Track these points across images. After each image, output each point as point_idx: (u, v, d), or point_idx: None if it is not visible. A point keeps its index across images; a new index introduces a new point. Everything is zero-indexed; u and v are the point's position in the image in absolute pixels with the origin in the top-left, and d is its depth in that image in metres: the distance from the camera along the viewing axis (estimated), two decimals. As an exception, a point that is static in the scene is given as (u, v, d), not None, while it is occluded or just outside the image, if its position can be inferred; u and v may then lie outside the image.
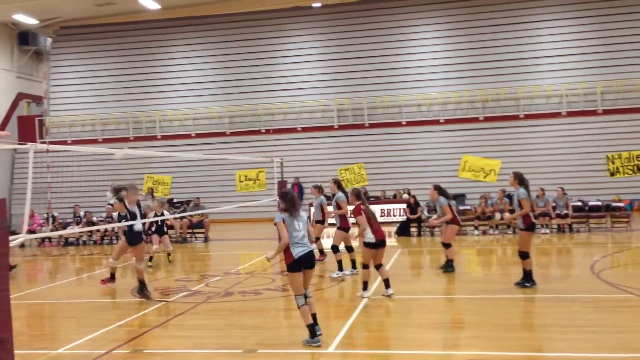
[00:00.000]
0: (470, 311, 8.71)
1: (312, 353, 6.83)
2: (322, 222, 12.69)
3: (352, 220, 10.65)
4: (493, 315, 8.26)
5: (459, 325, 8.02)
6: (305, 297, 7.15)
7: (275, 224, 7.16)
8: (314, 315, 7.13)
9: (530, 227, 9.93)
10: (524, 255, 9.89)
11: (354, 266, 11.77)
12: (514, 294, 9.55)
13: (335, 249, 11.72)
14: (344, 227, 11.73)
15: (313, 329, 7.04)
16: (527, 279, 9.87)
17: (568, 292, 9.47)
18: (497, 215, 18.35)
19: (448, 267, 11.66)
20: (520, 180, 10.03)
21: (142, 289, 10.19)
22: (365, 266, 9.43)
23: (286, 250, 7.10)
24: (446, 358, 6.57)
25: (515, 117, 26.09)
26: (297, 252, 7.05)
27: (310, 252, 7.19)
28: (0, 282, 5.41)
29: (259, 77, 28.86)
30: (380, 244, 9.31)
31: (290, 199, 7.24)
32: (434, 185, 12.03)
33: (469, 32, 27.31)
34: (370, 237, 9.25)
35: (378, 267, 9.45)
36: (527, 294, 9.53)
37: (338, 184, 12.11)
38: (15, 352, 5.58)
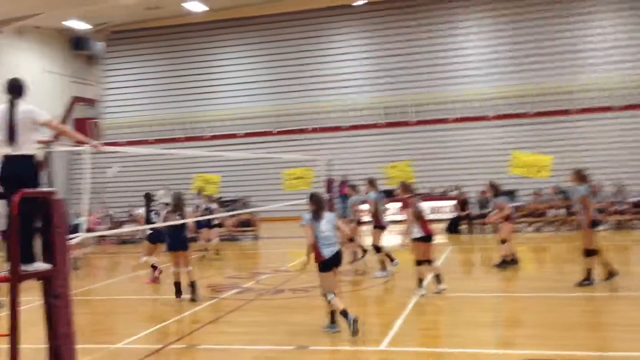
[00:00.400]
0: (525, 309, 8.52)
1: (362, 350, 6.82)
2: (355, 221, 12.52)
3: (399, 217, 10.56)
4: (549, 314, 8.06)
5: (513, 323, 7.86)
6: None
7: (301, 226, 7.48)
8: (332, 312, 7.48)
9: (592, 225, 9.74)
10: (588, 253, 9.72)
11: (391, 259, 11.63)
12: (570, 292, 9.29)
13: (377, 248, 11.60)
14: (378, 225, 11.61)
15: (347, 315, 7.17)
16: (587, 277, 9.72)
17: (627, 290, 9.17)
18: (551, 212, 17.92)
19: (502, 264, 11.55)
20: (581, 177, 9.85)
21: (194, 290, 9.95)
22: (418, 262, 9.37)
23: (315, 251, 7.38)
24: (501, 357, 6.43)
25: (567, 112, 25.39)
26: (325, 252, 7.34)
27: (338, 252, 7.48)
28: (62, 279, 5.60)
29: (304, 75, 28.98)
30: (428, 238, 9.34)
31: (316, 201, 7.54)
32: (490, 183, 12.18)
33: (517, 26, 26.72)
34: (417, 231, 9.29)
35: (427, 263, 9.40)
36: (585, 291, 9.26)
37: (371, 182, 11.90)
38: (77, 346, 5.77)
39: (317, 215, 7.42)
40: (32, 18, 26.98)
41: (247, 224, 20.59)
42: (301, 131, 28.20)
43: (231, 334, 7.85)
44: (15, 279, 4.97)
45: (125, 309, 10.19)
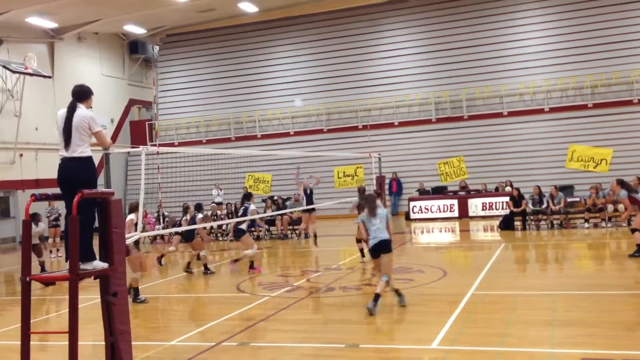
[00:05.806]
0: (583, 308, 8.26)
1: (414, 349, 6.77)
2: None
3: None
4: (608, 312, 7.79)
5: (570, 322, 7.62)
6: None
7: (356, 223, 9.51)
8: (395, 290, 8.77)
9: None
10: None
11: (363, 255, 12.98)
12: (631, 290, 8.97)
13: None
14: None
15: (377, 298, 8.36)
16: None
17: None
18: (610, 207, 17.31)
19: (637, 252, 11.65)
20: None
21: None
22: None
23: (368, 243, 8.97)
24: (558, 357, 6.25)
25: (628, 103, 24.44)
26: (370, 242, 8.84)
27: (380, 242, 8.65)
28: (118, 279, 5.79)
29: (355, 73, 28.92)
30: None
31: (369, 202, 8.96)
32: (616, 180, 12.51)
33: (573, 15, 25.89)
34: None
35: None
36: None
37: (359, 190, 13.36)
38: (133, 343, 5.95)
39: (371, 213, 8.78)
40: (91, 24, 27.94)
41: (298, 222, 20.69)
42: (352, 129, 28.18)
43: (283, 331, 7.93)
44: (74, 278, 5.16)
45: (179, 307, 10.44)
